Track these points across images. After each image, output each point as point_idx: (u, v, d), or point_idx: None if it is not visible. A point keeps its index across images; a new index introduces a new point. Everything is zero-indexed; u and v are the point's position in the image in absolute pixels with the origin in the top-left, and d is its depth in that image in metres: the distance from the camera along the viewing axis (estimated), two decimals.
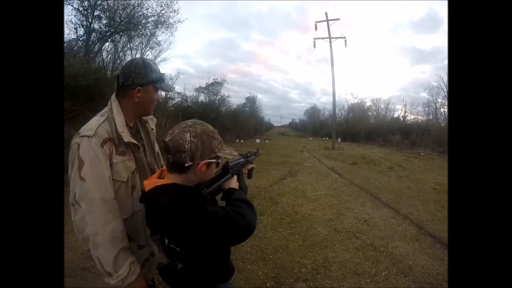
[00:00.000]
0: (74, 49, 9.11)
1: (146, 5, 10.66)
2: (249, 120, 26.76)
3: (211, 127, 1.02)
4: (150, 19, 11.17)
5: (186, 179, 0.97)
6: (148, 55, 13.71)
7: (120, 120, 1.18)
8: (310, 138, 30.58)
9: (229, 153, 1.07)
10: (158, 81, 1.24)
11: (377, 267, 2.69)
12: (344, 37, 18.60)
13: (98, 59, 10.59)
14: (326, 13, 18.24)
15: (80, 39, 9.80)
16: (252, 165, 1.50)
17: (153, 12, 11.02)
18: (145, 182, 1.00)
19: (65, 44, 8.50)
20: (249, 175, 1.51)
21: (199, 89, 19.58)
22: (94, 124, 1.14)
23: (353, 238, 3.34)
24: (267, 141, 20.98)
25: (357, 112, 30.80)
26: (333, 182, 6.69)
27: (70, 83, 5.02)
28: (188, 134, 0.94)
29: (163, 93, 16.37)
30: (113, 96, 1.24)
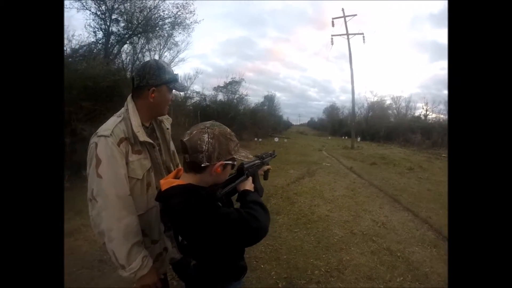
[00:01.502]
0: (94, 51, 9.41)
1: (162, 7, 10.85)
2: (267, 118, 26.67)
3: (228, 129, 1.04)
4: (166, 21, 11.36)
5: (202, 180, 1.00)
6: (166, 56, 14.01)
7: (135, 120, 1.23)
8: (329, 137, 30.07)
9: (244, 156, 1.08)
10: (171, 81, 1.28)
11: (392, 273, 2.62)
12: (362, 33, 18.11)
13: (117, 61, 10.91)
14: (343, 9, 17.87)
15: (100, 42, 10.11)
16: (268, 167, 1.49)
17: (170, 13, 11.20)
18: (161, 181, 1.03)
19: (84, 47, 8.77)
20: (265, 177, 1.50)
21: (217, 88, 19.74)
22: (111, 124, 1.19)
23: (369, 242, 3.26)
24: (285, 140, 20.85)
25: (377, 111, 29.99)
26: (352, 182, 6.56)
27: (90, 84, 5.27)
28: (206, 135, 0.95)
29: (182, 93, 16.70)
30: (129, 98, 1.29)
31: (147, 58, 12.52)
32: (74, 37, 8.74)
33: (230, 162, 1.02)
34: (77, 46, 8.40)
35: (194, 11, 11.66)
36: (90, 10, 9.62)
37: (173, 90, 1.34)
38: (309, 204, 4.69)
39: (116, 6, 9.82)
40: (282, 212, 4.27)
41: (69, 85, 5.23)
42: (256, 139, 16.94)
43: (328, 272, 2.58)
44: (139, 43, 12.19)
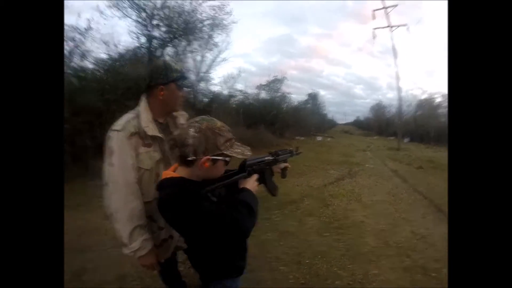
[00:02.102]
0: (138, 55, 10.05)
1: (199, 10, 11.16)
2: (310, 117, 26.21)
3: (219, 123, 1.03)
4: (205, 23, 11.65)
5: (193, 173, 1.02)
6: (207, 57, 14.51)
7: (145, 117, 1.35)
8: (375, 137, 28.69)
9: (240, 152, 1.06)
10: (179, 79, 1.36)
11: None
12: (406, 24, 16.99)
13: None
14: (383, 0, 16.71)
15: (143, 46, 10.67)
16: (286, 164, 1.45)
17: (207, 16, 11.50)
18: (163, 172, 1.09)
19: (129, 52, 9.37)
20: (283, 175, 1.46)
21: (260, 87, 19.92)
22: (124, 120, 1.33)
23: (404, 256, 2.92)
24: (328, 139, 20.32)
25: (426, 109, 27.47)
26: (394, 187, 6.11)
27: (133, 85, 5.71)
28: (192, 129, 0.97)
29: (225, 92, 17.17)
30: (143, 96, 1.40)
31: (189, 60, 13.15)
32: (120, 43, 9.41)
33: (219, 157, 1.01)
34: (123, 51, 9.10)
35: (231, 11, 11.91)
36: (131, 18, 10.29)
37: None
38: (344, 208, 4.47)
39: (155, 12, 10.35)
40: (314, 214, 4.13)
41: (114, 87, 5.78)
42: (298, 137, 16.72)
43: (350, 284, 2.39)
44: (181, 45, 12.76)
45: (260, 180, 1.23)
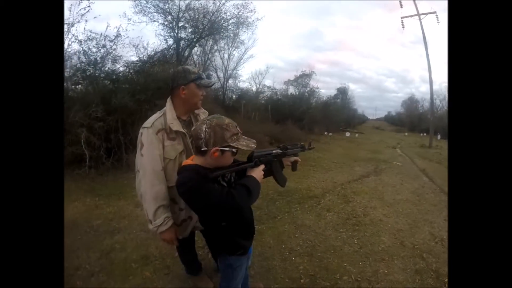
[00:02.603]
0: (167, 57, 10.53)
1: (223, 9, 11.38)
2: (339, 112, 25.70)
3: (227, 120, 1.23)
4: (230, 21, 11.86)
5: (205, 162, 1.23)
6: (234, 54, 15.02)
7: (170, 115, 1.59)
8: (406, 134, 27.38)
9: (245, 145, 1.25)
10: (197, 79, 1.60)
11: None
12: (435, 12, 15.77)
13: (190, 63, 11.84)
14: None
15: (171, 47, 11.13)
16: (296, 158, 1.59)
17: (232, 14, 11.68)
18: (184, 161, 1.34)
19: (158, 54, 9.78)
20: (293, 168, 1.59)
21: (288, 82, 19.95)
22: (153, 118, 1.59)
23: (418, 258, 2.83)
24: (356, 135, 19.76)
25: None
26: (420, 186, 5.90)
27: (162, 85, 6.12)
28: (204, 125, 1.19)
29: (254, 88, 17.38)
30: (169, 98, 1.66)
31: (217, 58, 13.85)
32: (149, 46, 9.94)
33: (227, 149, 1.20)
34: (152, 53, 9.53)
35: (254, 9, 12.07)
36: (158, 22, 10.82)
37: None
38: (364, 205, 4.44)
39: (181, 15, 10.75)
40: (333, 209, 4.17)
41: (145, 88, 6.20)
42: (326, 133, 16.51)
43: (358, 281, 2.42)
44: (207, 45, 13.24)
45: (269, 171, 1.40)
